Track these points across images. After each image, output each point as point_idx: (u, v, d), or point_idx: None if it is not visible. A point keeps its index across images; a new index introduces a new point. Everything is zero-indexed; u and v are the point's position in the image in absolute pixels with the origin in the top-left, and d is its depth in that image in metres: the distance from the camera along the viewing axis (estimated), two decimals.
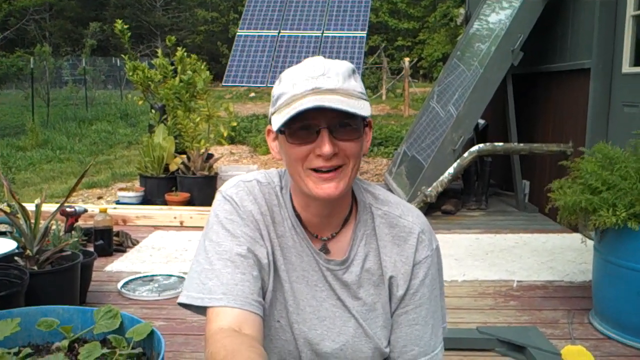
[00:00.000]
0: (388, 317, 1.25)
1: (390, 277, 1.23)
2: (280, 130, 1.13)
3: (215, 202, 1.24)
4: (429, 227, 1.28)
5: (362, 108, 1.11)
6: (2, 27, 18.67)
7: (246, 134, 10.61)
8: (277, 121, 1.11)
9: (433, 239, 1.27)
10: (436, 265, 1.27)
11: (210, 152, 5.86)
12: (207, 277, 1.13)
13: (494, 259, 3.78)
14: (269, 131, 1.20)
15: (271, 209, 1.23)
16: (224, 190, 1.24)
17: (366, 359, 1.25)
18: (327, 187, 1.12)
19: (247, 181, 1.24)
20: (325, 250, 1.24)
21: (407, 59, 16.91)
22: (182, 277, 3.38)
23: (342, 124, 1.10)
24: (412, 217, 1.25)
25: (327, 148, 1.09)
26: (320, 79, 1.10)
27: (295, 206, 1.23)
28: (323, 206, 1.20)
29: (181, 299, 1.15)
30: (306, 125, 1.10)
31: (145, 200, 5.44)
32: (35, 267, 2.63)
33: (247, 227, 1.18)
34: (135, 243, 4.09)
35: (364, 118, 1.13)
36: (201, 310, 1.13)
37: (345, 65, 1.14)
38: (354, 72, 1.15)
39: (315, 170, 1.12)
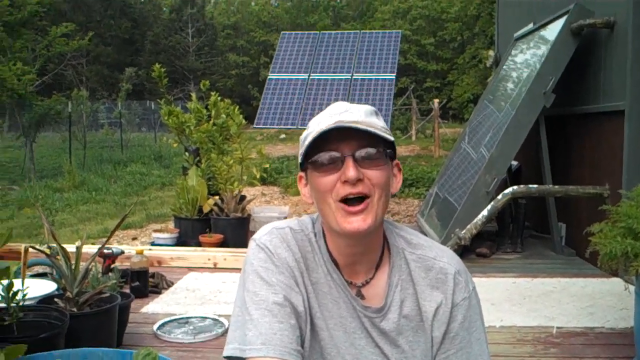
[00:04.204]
0: None
1: (432, 322, 1.23)
2: (307, 163, 1.17)
3: (249, 250, 1.25)
4: (464, 268, 1.28)
5: (385, 134, 1.15)
6: (40, 72, 19.37)
7: (277, 175, 10.69)
8: (303, 152, 1.17)
9: (469, 281, 1.27)
10: (475, 308, 1.26)
11: (242, 193, 5.93)
12: (246, 327, 1.14)
13: (532, 304, 3.70)
14: (301, 177, 1.25)
15: (304, 256, 1.24)
16: (258, 238, 1.25)
17: None
18: (355, 221, 1.14)
19: (280, 228, 1.26)
20: (360, 296, 1.23)
21: (436, 100, 16.97)
22: (217, 320, 3.38)
23: (368, 155, 1.14)
24: (447, 258, 1.26)
25: (351, 172, 1.12)
26: (344, 114, 1.16)
27: (331, 251, 1.24)
28: (354, 244, 1.20)
29: (225, 352, 1.17)
30: (331, 157, 1.14)
31: (179, 242, 5.50)
32: (75, 309, 2.67)
33: (282, 275, 1.19)
34: (170, 284, 4.12)
35: (388, 150, 1.17)
36: None
37: (367, 106, 1.19)
38: (376, 112, 1.20)
39: (345, 202, 1.15)
